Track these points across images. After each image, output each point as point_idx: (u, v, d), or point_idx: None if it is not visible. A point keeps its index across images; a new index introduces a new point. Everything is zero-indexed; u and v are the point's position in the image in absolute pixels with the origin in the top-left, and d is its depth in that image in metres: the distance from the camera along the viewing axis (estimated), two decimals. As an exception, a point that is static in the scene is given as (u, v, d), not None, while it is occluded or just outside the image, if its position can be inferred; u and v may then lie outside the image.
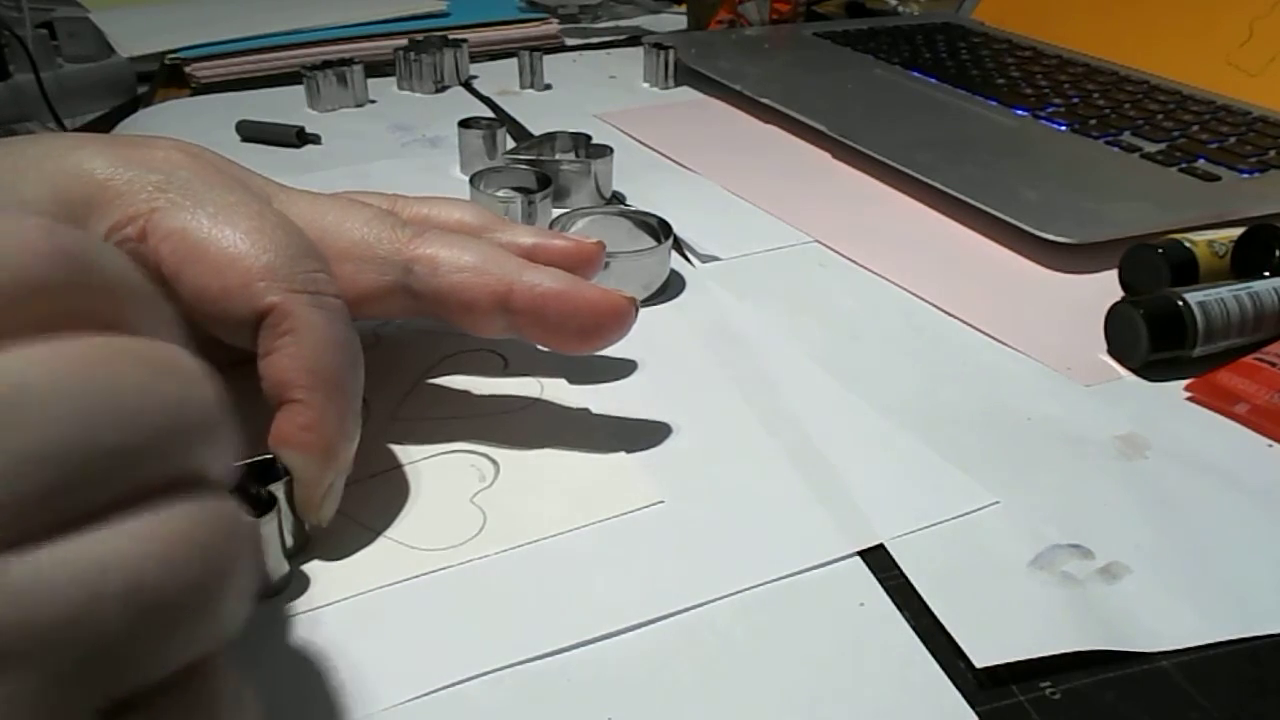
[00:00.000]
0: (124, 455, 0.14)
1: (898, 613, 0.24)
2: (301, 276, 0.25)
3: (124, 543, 0.13)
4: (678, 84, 0.68)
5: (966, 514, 0.27)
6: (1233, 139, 0.51)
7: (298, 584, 0.24)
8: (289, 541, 0.25)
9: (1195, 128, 0.53)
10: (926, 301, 0.39)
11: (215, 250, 0.25)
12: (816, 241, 0.44)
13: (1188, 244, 0.38)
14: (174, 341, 0.16)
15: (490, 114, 0.62)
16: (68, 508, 0.13)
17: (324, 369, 0.25)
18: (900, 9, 0.88)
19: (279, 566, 0.24)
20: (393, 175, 0.51)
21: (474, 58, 0.72)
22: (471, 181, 0.44)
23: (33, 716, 0.13)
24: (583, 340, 0.29)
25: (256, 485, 0.24)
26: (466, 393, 0.32)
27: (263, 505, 0.24)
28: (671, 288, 0.40)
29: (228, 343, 0.26)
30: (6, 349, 0.13)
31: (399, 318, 0.32)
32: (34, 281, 0.14)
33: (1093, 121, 0.54)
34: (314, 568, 0.25)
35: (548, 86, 0.68)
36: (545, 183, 0.45)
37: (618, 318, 0.29)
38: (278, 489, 0.24)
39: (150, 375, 0.14)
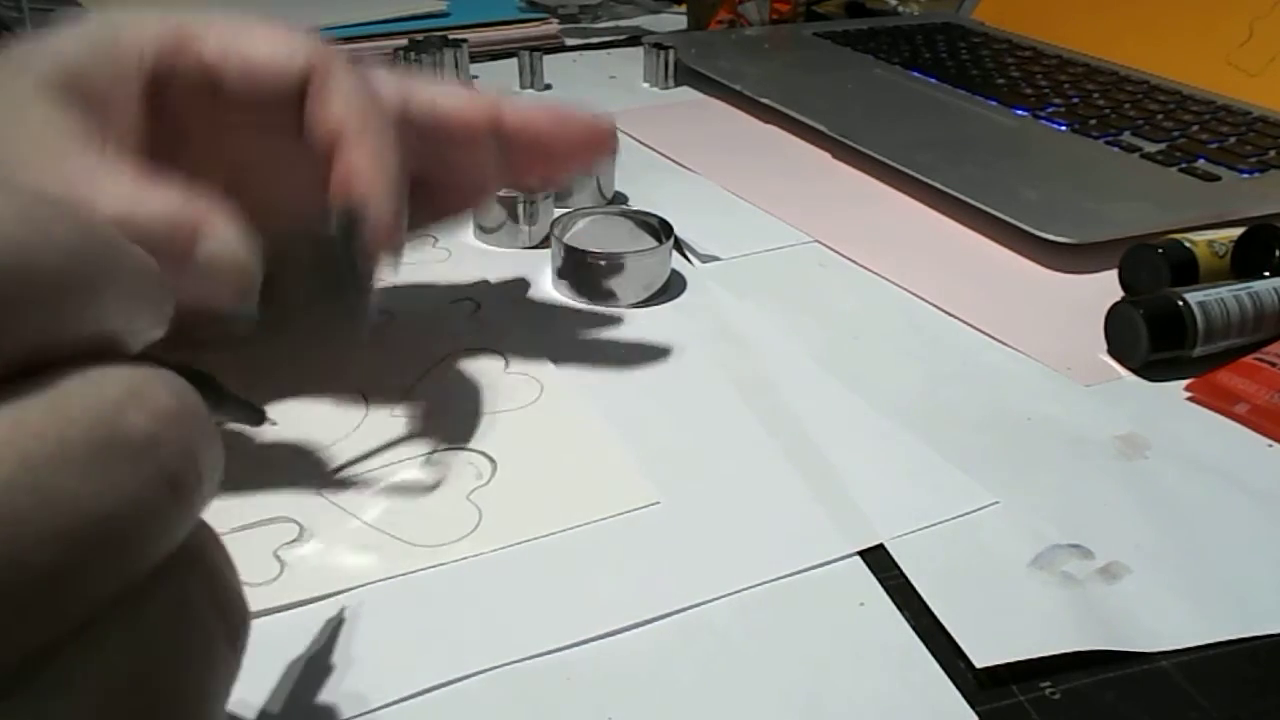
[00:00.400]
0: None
1: (898, 613, 0.24)
2: (330, 49, 0.27)
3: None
4: (678, 84, 0.68)
5: (966, 514, 0.27)
6: (1233, 139, 0.51)
7: (290, 578, 0.24)
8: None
9: (1195, 128, 0.53)
10: (926, 301, 0.39)
11: (258, 31, 0.27)
12: (816, 241, 0.44)
13: (1188, 244, 0.38)
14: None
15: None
16: None
17: (369, 110, 0.27)
18: (900, 9, 0.88)
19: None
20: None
21: (474, 58, 0.72)
22: (471, 181, 0.44)
23: None
24: (574, 155, 0.32)
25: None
26: (466, 392, 0.32)
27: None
28: (672, 288, 0.40)
29: (268, 115, 0.27)
30: None
31: None
32: None
33: (1093, 121, 0.54)
34: (309, 562, 0.25)
35: (548, 86, 0.68)
36: (545, 183, 0.45)
37: (604, 134, 0.31)
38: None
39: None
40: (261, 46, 0.27)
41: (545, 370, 0.33)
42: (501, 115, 0.31)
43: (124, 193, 0.23)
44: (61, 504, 0.11)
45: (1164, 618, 0.24)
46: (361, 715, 0.21)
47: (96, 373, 0.12)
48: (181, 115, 0.27)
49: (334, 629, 0.23)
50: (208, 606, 0.14)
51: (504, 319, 0.37)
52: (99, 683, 0.12)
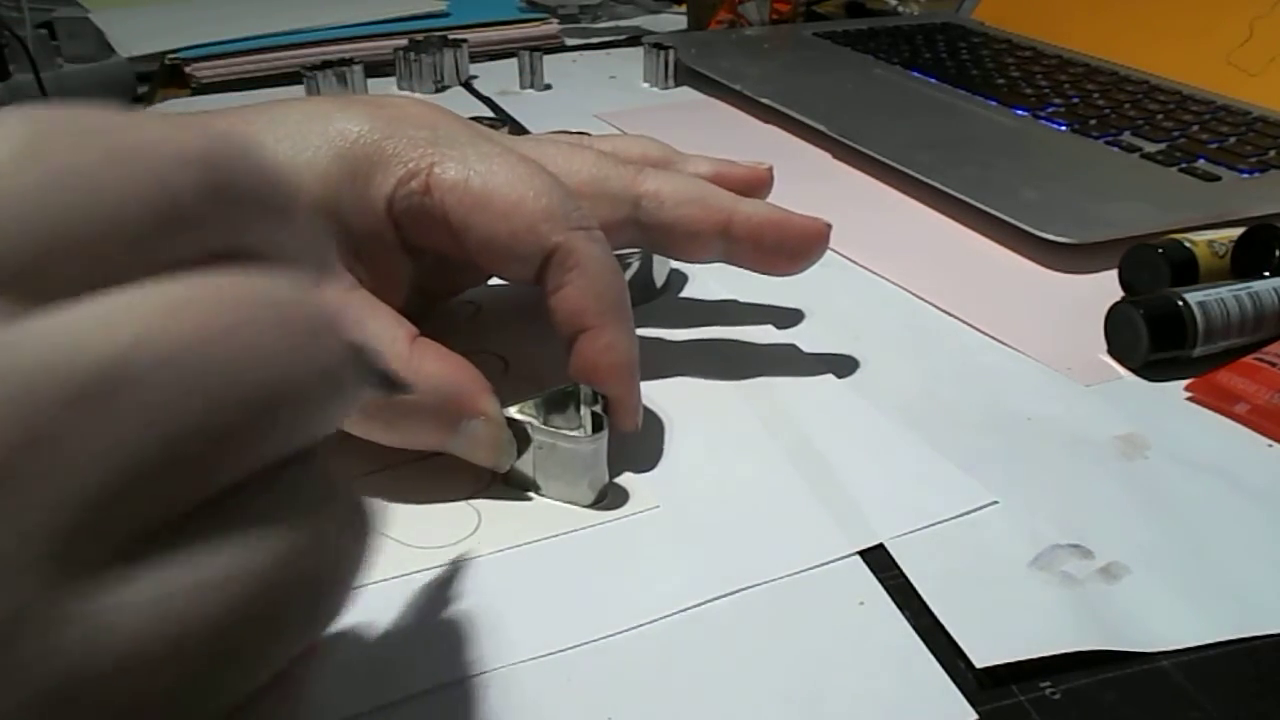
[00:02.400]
0: (231, 439, 0.12)
1: (898, 612, 0.24)
2: (575, 215, 0.28)
3: (221, 558, 0.12)
4: (678, 84, 0.68)
5: (966, 514, 0.27)
6: (1233, 139, 0.51)
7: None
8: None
9: (1195, 128, 0.53)
10: (926, 301, 0.39)
11: (498, 199, 0.27)
12: (816, 241, 0.44)
13: (1188, 244, 0.38)
14: (312, 265, 0.15)
15: (491, 114, 0.62)
16: (187, 500, 0.12)
17: (610, 295, 0.28)
18: (900, 9, 0.88)
19: (602, 477, 0.27)
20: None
21: (474, 58, 0.72)
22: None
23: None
24: (792, 261, 0.33)
25: (584, 407, 0.28)
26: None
27: (596, 423, 0.27)
28: (672, 287, 0.40)
29: (508, 279, 0.29)
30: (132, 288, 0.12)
31: (619, 248, 0.34)
32: (177, 211, 0.13)
33: (1093, 121, 0.54)
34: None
35: (548, 87, 0.68)
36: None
37: (821, 241, 0.33)
38: (599, 409, 0.27)
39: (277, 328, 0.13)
40: (502, 225, 0.27)
41: (546, 373, 0.33)
42: (731, 224, 0.32)
43: (390, 338, 0.26)
44: (262, 358, 0.12)
45: (1164, 618, 0.24)
46: (360, 715, 0.21)
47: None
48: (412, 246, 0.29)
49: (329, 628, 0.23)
50: (347, 495, 0.14)
51: (505, 321, 0.37)
52: (256, 543, 0.13)
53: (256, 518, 0.13)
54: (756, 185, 0.36)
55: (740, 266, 0.34)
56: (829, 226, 0.33)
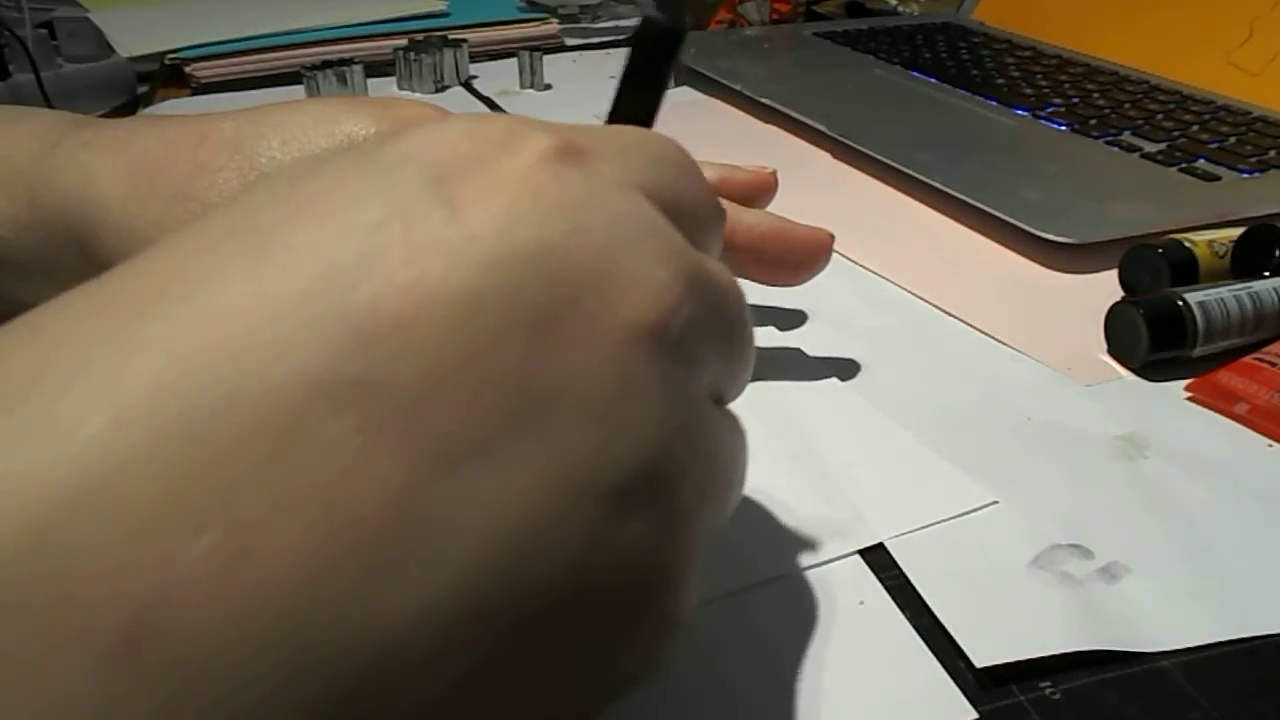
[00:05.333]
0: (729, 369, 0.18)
1: (898, 612, 0.24)
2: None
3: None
4: (678, 84, 0.68)
5: (966, 514, 0.27)
6: (1233, 139, 0.51)
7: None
8: None
9: (1195, 128, 0.53)
10: (926, 301, 0.39)
11: None
12: (816, 241, 0.44)
13: (1188, 244, 0.38)
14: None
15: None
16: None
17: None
18: (900, 9, 0.88)
19: None
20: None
21: (474, 58, 0.72)
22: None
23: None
24: (794, 272, 0.33)
25: None
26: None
27: None
28: (671, 288, 0.39)
29: None
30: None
31: None
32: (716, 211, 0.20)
33: (1093, 121, 0.54)
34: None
35: (548, 86, 0.68)
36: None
37: (824, 251, 0.33)
38: None
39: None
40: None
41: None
42: (734, 235, 0.32)
43: None
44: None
45: (1164, 618, 0.24)
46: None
47: None
48: None
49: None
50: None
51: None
52: None
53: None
54: (761, 189, 0.36)
55: (742, 277, 0.33)
56: (832, 237, 0.33)
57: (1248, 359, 0.33)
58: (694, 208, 0.19)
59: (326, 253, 0.13)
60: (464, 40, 0.70)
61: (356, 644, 0.12)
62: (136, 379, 0.12)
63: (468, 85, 0.69)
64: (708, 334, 0.17)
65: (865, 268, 0.42)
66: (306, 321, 0.13)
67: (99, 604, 0.11)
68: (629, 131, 0.19)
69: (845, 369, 0.34)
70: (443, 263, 0.13)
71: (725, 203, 0.32)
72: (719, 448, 0.17)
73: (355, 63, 0.64)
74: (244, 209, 0.15)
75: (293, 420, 0.12)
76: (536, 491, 0.13)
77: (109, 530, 0.11)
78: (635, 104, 0.20)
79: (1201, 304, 0.34)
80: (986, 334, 0.37)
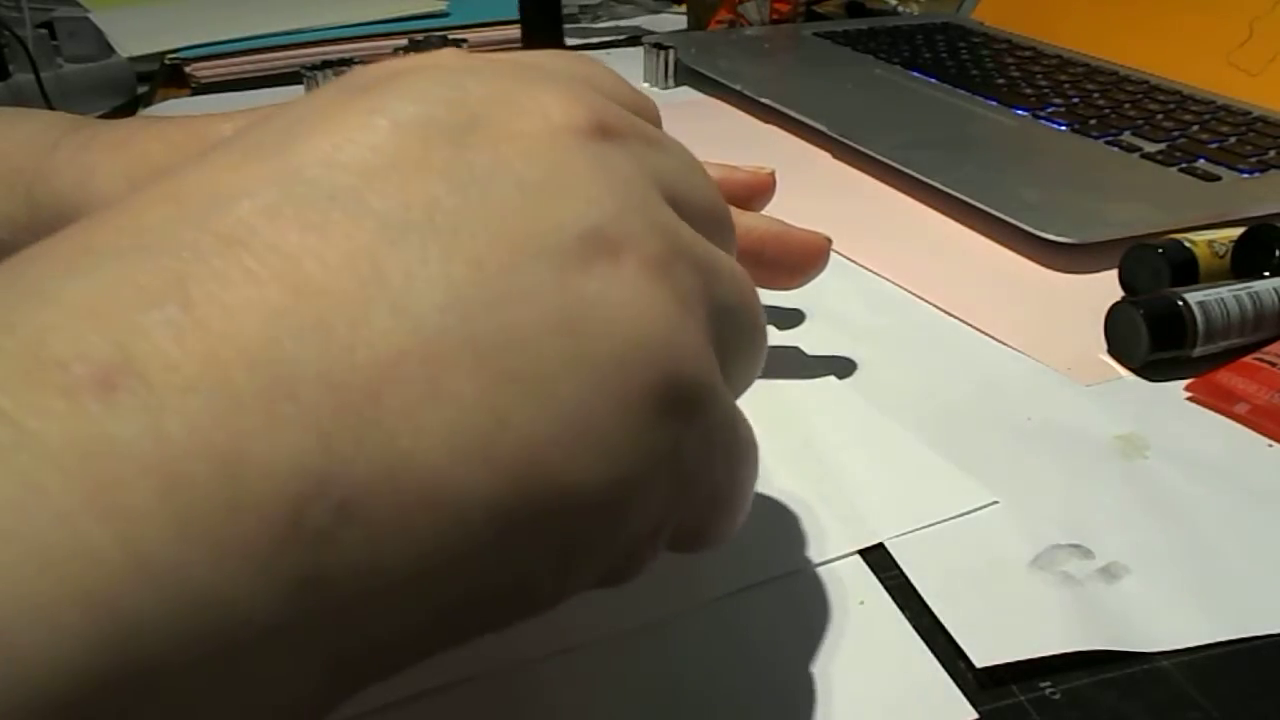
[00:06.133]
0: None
1: (898, 612, 0.24)
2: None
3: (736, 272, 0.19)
4: (678, 84, 0.68)
5: (966, 514, 0.27)
6: (1233, 139, 0.51)
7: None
8: None
9: (1195, 128, 0.53)
10: (926, 301, 0.39)
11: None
12: (816, 241, 0.44)
13: (1188, 244, 0.38)
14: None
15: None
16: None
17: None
18: (900, 9, 0.88)
19: None
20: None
21: (474, 58, 0.72)
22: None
23: (698, 305, 0.17)
24: (792, 276, 0.33)
25: None
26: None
27: None
28: (671, 288, 0.40)
29: None
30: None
31: None
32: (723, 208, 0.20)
33: (1093, 121, 0.54)
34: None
35: (548, 86, 0.67)
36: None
37: (822, 255, 0.33)
38: None
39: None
40: None
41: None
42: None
43: None
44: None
45: (1164, 618, 0.24)
46: (364, 715, 0.21)
47: None
48: None
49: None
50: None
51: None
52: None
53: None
54: (759, 190, 0.36)
55: None
56: (830, 241, 0.33)
57: (1248, 359, 0.33)
58: (707, 202, 0.19)
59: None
60: (464, 40, 0.70)
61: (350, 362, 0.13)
62: None
63: (468, 85, 0.69)
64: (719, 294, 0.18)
65: (865, 268, 0.42)
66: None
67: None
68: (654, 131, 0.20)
69: (845, 368, 0.34)
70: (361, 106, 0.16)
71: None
72: (701, 248, 0.17)
73: (355, 63, 0.64)
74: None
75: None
76: (494, 248, 0.14)
77: None
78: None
79: (1201, 304, 0.34)
80: (986, 334, 0.37)
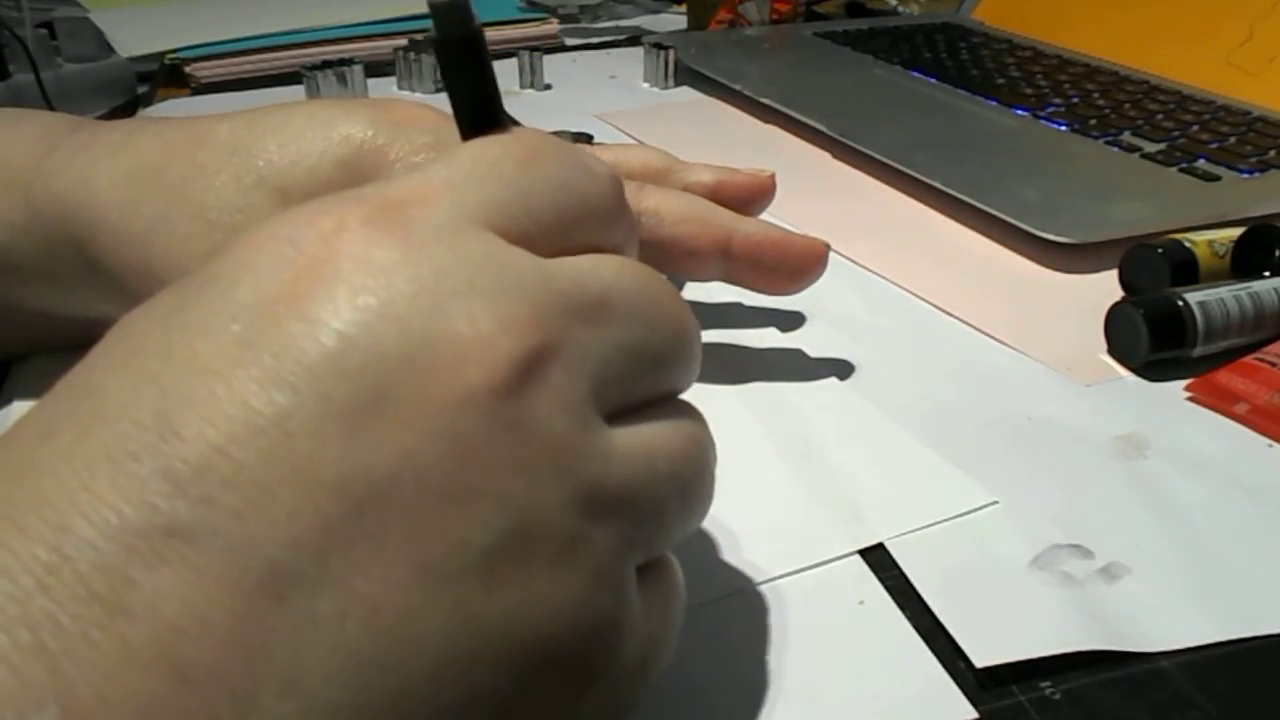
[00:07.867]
0: (658, 362, 0.18)
1: (898, 612, 0.24)
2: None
3: (662, 434, 0.17)
4: (678, 84, 0.67)
5: (966, 514, 0.27)
6: (1233, 139, 0.51)
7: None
8: None
9: (1195, 128, 0.53)
10: (926, 301, 0.39)
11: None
12: (816, 241, 0.44)
13: (1188, 244, 0.38)
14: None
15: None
16: (635, 397, 0.17)
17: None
18: (900, 9, 0.88)
19: None
20: (393, 175, 0.51)
21: (474, 58, 0.72)
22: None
23: (615, 565, 0.16)
24: (791, 281, 0.33)
25: None
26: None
27: None
28: (671, 288, 0.40)
29: None
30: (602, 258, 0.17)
31: None
32: (616, 207, 0.19)
33: (1093, 121, 0.54)
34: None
35: (548, 87, 0.67)
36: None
37: (820, 261, 0.33)
38: None
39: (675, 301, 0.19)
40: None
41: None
42: (731, 243, 0.32)
43: None
44: (675, 307, 0.19)
45: (1164, 618, 0.24)
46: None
47: None
48: None
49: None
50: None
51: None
52: (687, 425, 0.19)
53: (683, 413, 0.19)
54: (759, 193, 0.36)
55: (740, 285, 0.34)
56: (828, 247, 0.33)
57: (1248, 359, 0.33)
58: (569, 206, 0.18)
59: (133, 412, 0.14)
60: (464, 40, 0.70)
61: None
62: None
63: (468, 85, 0.69)
64: (602, 337, 0.16)
65: (865, 268, 0.42)
66: (112, 480, 0.13)
67: None
68: (474, 150, 0.18)
69: (845, 369, 0.34)
70: (245, 389, 0.14)
71: (721, 210, 0.32)
72: (633, 474, 0.16)
73: (355, 63, 0.64)
74: (79, 373, 0.15)
75: (117, 580, 0.12)
76: (391, 590, 0.13)
77: None
78: (467, 102, 0.18)
79: (1201, 304, 0.34)
80: (986, 334, 0.37)
